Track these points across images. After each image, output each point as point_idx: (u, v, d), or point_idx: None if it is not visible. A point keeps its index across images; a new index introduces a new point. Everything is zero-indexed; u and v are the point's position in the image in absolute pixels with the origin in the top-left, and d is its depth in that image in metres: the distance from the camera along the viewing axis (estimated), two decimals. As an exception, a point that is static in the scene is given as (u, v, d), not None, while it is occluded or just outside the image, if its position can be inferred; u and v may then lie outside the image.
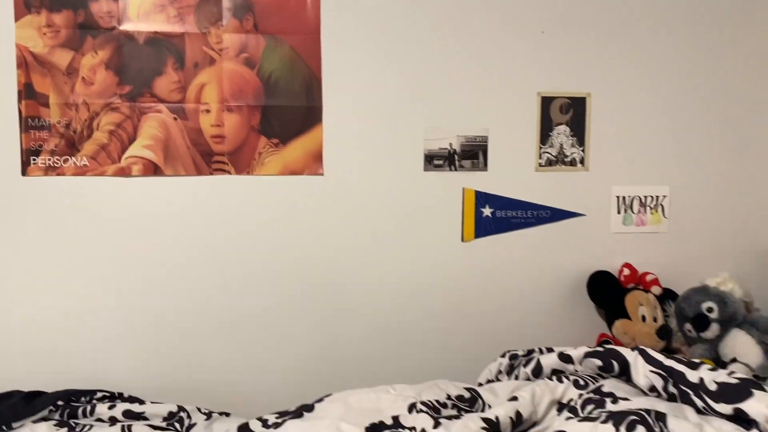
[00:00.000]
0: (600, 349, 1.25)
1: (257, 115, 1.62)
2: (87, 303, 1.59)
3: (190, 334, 1.63)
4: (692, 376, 1.10)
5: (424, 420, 1.10)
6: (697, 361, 1.14)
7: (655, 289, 1.74)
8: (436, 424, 1.08)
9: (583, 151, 1.76)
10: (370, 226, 1.69)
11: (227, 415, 1.51)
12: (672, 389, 1.13)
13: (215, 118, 1.61)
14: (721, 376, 1.07)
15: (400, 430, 1.08)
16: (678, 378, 1.11)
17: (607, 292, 1.73)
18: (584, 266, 1.77)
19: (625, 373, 1.22)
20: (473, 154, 1.72)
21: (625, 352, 1.21)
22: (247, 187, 1.63)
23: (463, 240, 1.74)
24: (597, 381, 1.23)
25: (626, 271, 1.76)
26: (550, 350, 1.34)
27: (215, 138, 1.62)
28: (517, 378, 1.37)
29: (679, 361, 1.14)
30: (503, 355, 1.44)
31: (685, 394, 1.10)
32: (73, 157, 1.57)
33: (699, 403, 1.08)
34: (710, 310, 1.63)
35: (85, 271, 1.58)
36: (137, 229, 1.60)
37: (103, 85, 1.57)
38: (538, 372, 1.32)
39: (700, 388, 1.08)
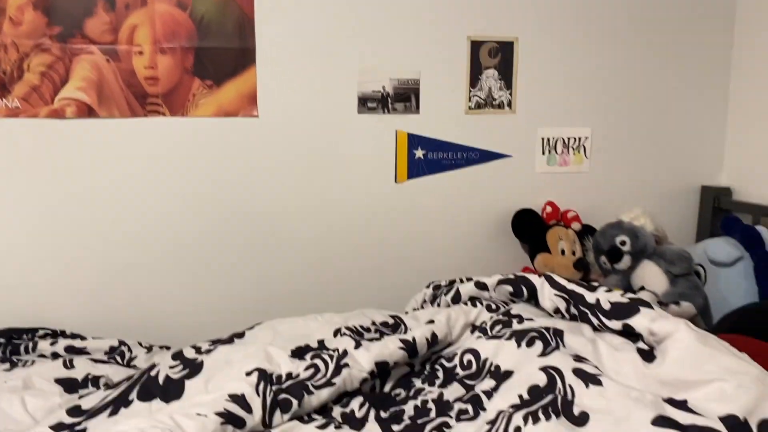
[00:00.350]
0: (511, 276, 1.36)
1: (190, 57, 1.64)
2: (25, 243, 1.61)
3: (128, 272, 1.68)
4: (590, 297, 1.21)
5: (346, 342, 1.20)
6: (595, 284, 1.25)
7: (575, 225, 1.86)
8: (357, 345, 1.18)
9: (510, 94, 1.84)
10: (304, 166, 1.74)
11: (167, 348, 1.58)
12: (573, 310, 1.24)
13: (148, 60, 1.62)
14: (615, 296, 1.19)
15: (324, 351, 1.17)
16: (578, 300, 1.23)
17: (531, 228, 1.84)
18: (510, 205, 1.87)
19: (533, 298, 1.33)
20: (406, 97, 1.78)
21: (533, 278, 1.32)
22: (182, 128, 1.66)
23: (396, 181, 1.81)
24: (508, 305, 1.34)
25: (549, 209, 1.87)
26: (469, 279, 1.44)
27: (149, 80, 1.63)
28: (439, 306, 1.47)
29: (579, 285, 1.25)
30: (428, 286, 1.54)
31: (584, 314, 1.22)
32: (4, 99, 1.56)
33: (595, 321, 1.19)
34: (623, 243, 1.75)
35: (22, 211, 1.60)
36: (73, 169, 1.62)
37: (32, 25, 1.56)
38: (457, 299, 1.42)
39: (596, 308, 1.19)
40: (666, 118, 1.95)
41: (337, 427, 1.03)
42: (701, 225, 2.00)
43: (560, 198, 1.90)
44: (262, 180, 1.72)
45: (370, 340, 1.23)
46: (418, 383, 1.19)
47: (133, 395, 1.11)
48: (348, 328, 1.27)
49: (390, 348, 1.17)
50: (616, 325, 1.15)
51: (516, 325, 1.21)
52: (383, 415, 1.11)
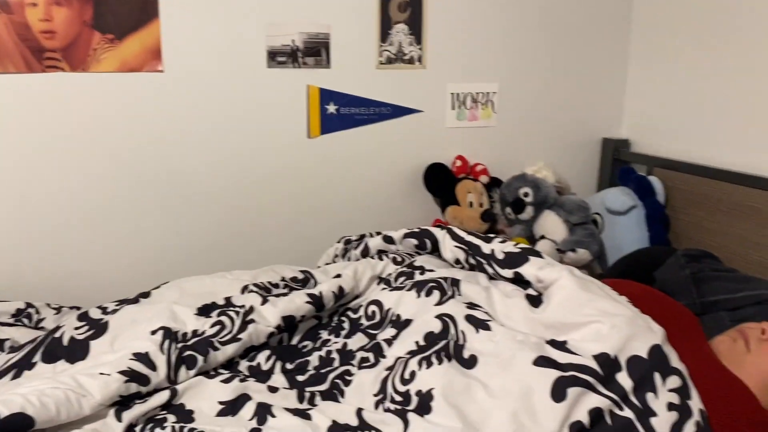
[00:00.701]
0: (416, 229, 1.41)
1: (89, 9, 1.57)
2: None
3: (34, 232, 1.63)
4: (486, 248, 1.28)
5: (253, 299, 1.22)
6: (491, 236, 1.32)
7: (483, 178, 1.93)
8: (264, 302, 1.21)
9: (420, 49, 1.86)
10: (214, 122, 1.72)
11: (77, 308, 1.56)
12: (471, 260, 1.31)
13: (43, 13, 1.55)
14: (508, 246, 1.26)
15: (230, 308, 1.20)
16: (475, 250, 1.30)
17: (441, 182, 1.90)
18: (421, 159, 1.92)
19: (437, 250, 1.39)
20: (316, 51, 1.77)
21: (435, 231, 1.38)
22: (83, 84, 1.60)
23: (309, 136, 1.82)
24: (413, 257, 1.40)
25: (458, 163, 1.93)
26: (378, 234, 1.49)
27: (45, 33, 1.56)
28: (349, 260, 1.52)
29: (477, 236, 1.32)
30: (339, 241, 1.58)
31: (480, 264, 1.29)
32: None
33: (490, 270, 1.27)
34: (526, 195, 1.84)
35: None
36: (-35, 129, 1.55)
37: None
38: (366, 253, 1.47)
39: (491, 257, 1.27)
40: (569, 73, 2.03)
41: (242, 380, 1.07)
42: (602, 175, 2.11)
43: (469, 152, 1.96)
44: (170, 136, 1.69)
45: (278, 295, 1.26)
46: (324, 335, 1.24)
47: (37, 357, 1.11)
48: (256, 285, 1.30)
49: (297, 303, 1.21)
50: (508, 273, 1.23)
51: (418, 276, 1.27)
52: (288, 366, 1.15)
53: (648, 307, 1.14)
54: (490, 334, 1.08)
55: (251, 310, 1.18)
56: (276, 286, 1.33)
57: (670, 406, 0.96)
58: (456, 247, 1.33)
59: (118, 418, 0.97)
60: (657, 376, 0.98)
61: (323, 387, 1.09)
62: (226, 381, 1.06)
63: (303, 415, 0.99)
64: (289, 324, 1.20)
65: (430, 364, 1.03)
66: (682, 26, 1.87)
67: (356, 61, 1.81)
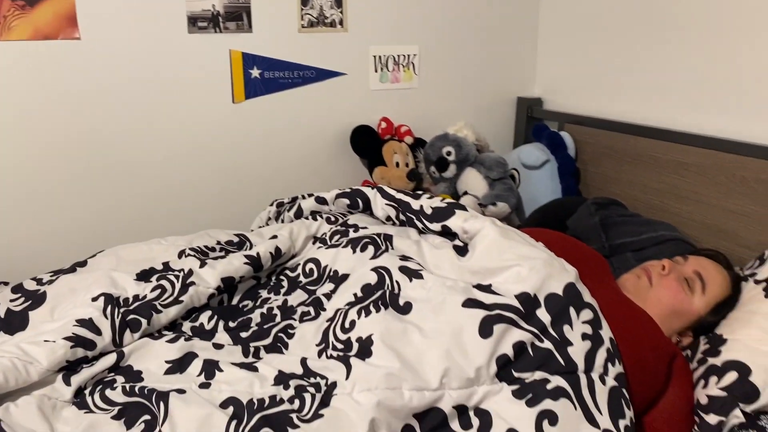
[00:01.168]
0: (348, 190, 1.47)
1: (-5, -27, 1.51)
2: None
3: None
4: (415, 204, 1.36)
5: (191, 262, 1.25)
6: (419, 193, 1.40)
7: (408, 139, 2.00)
8: (203, 265, 1.24)
9: (341, 12, 1.89)
10: (137, 90, 1.70)
11: (5, 284, 1.54)
12: (402, 217, 1.38)
13: (-56, -24, 1.47)
14: (435, 202, 1.34)
15: (169, 272, 1.22)
16: (405, 207, 1.37)
17: (367, 144, 1.95)
18: (347, 121, 1.96)
19: (368, 208, 1.46)
20: (237, 15, 1.77)
21: (366, 190, 1.44)
22: (-6, 53, 1.54)
23: (233, 101, 1.83)
24: (346, 216, 1.46)
25: (383, 125, 1.99)
26: (310, 195, 1.54)
27: (-53, -1, 1.48)
28: (283, 222, 1.56)
29: (406, 194, 1.39)
30: (272, 204, 1.62)
31: (410, 219, 1.37)
32: None
33: (419, 225, 1.35)
34: (449, 153, 1.92)
35: None
36: None
37: None
38: (299, 215, 1.52)
39: (420, 213, 1.34)
40: (485, 36, 2.11)
41: (187, 339, 1.10)
42: (517, 133, 2.23)
43: (393, 113, 2.02)
44: (92, 105, 1.66)
45: (215, 258, 1.29)
46: (264, 294, 1.28)
47: None
48: (192, 249, 1.32)
49: (235, 264, 1.25)
50: (436, 227, 1.31)
51: (352, 234, 1.33)
52: (231, 324, 1.19)
53: (562, 251, 1.25)
54: (422, 282, 1.16)
55: (190, 273, 1.21)
56: (212, 249, 1.36)
57: (584, 336, 1.08)
58: (387, 205, 1.40)
59: (67, 383, 0.99)
60: (572, 311, 1.09)
61: (267, 341, 1.14)
62: (172, 341, 1.09)
63: (250, 367, 1.04)
64: (228, 285, 1.24)
65: (368, 313, 1.10)
66: (588, -11, 1.99)
67: (278, 25, 1.82)
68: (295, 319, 1.18)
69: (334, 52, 1.91)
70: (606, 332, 1.10)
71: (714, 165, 1.56)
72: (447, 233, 1.31)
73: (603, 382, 1.05)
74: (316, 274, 1.28)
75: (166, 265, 1.26)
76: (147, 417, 0.94)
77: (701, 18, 1.65)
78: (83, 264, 1.27)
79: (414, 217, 1.35)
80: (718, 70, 1.61)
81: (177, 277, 1.19)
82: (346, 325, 1.10)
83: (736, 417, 1.12)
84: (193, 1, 1.70)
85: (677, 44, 1.72)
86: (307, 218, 1.49)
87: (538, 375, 1.03)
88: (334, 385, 0.99)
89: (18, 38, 1.55)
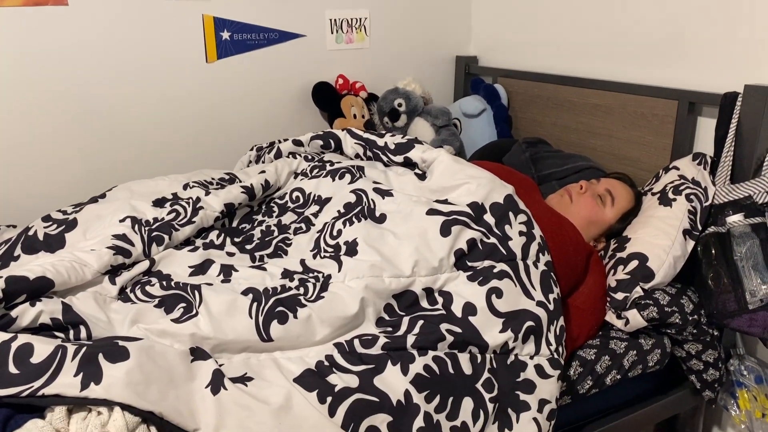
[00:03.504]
0: (320, 132, 1.72)
1: (-12, -56, 1.65)
2: None
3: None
4: (380, 141, 1.62)
5: (197, 191, 1.48)
6: (382, 132, 1.66)
7: (363, 94, 2.25)
8: (207, 193, 1.47)
9: (300, -20, 2.11)
10: (118, 53, 1.88)
11: (14, 226, 1.71)
12: (369, 153, 1.65)
13: (-60, -54, 1.60)
14: (397, 139, 1.61)
15: (180, 200, 1.45)
16: (372, 144, 1.63)
17: (327, 98, 2.19)
18: (308, 78, 2.20)
19: (339, 148, 1.71)
20: (208, -17, 1.97)
21: (337, 132, 1.70)
22: (-10, 18, 1.69)
23: (207, 61, 2.03)
24: (320, 155, 1.72)
25: (340, 81, 2.23)
26: (286, 140, 1.78)
27: (-56, -33, 1.62)
28: (263, 163, 1.79)
29: (372, 133, 1.66)
30: (252, 149, 1.85)
31: (377, 154, 1.63)
32: None
33: (384, 158, 1.62)
34: (400, 105, 2.19)
35: None
36: None
37: None
38: (278, 156, 1.76)
39: (385, 148, 1.61)
40: (427, 1, 2.37)
41: (205, 248, 1.34)
42: (457, 87, 2.52)
43: (349, 71, 2.26)
44: (78, 67, 1.83)
45: (215, 189, 1.53)
46: (258, 218, 1.53)
47: (18, 251, 1.30)
48: (195, 182, 1.55)
49: (234, 193, 1.48)
50: (399, 158, 1.58)
51: (329, 167, 1.59)
52: (236, 240, 1.44)
53: (500, 175, 1.55)
54: (392, 199, 1.43)
55: (198, 200, 1.44)
56: (210, 183, 1.59)
57: (521, 233, 1.36)
58: (356, 143, 1.66)
59: (112, 282, 1.21)
60: (510, 215, 1.38)
61: (269, 250, 1.39)
62: (192, 251, 1.33)
63: (259, 268, 1.29)
64: (229, 210, 1.47)
65: (351, 223, 1.36)
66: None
67: (245, -8, 2.03)
68: (290, 233, 1.44)
69: (294, 16, 2.13)
70: (537, 231, 1.39)
71: (620, 105, 1.89)
72: (408, 164, 1.59)
73: (536, 266, 1.33)
74: (302, 200, 1.53)
75: (174, 195, 1.48)
76: (183, 304, 1.16)
77: (608, -17, 1.97)
78: (102, 196, 1.48)
79: (380, 152, 1.62)
80: (621, 27, 1.94)
81: (188, 202, 1.42)
82: (334, 233, 1.36)
83: (637, 292, 1.46)
84: (168, -31, 1.89)
85: (590, 6, 2.03)
86: (287, 158, 1.73)
87: (487, 263, 1.30)
88: (329, 276, 1.25)
89: (10, 4, 1.71)
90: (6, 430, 0.88)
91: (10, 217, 1.78)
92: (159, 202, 1.45)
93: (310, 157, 1.71)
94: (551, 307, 1.29)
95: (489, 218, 1.36)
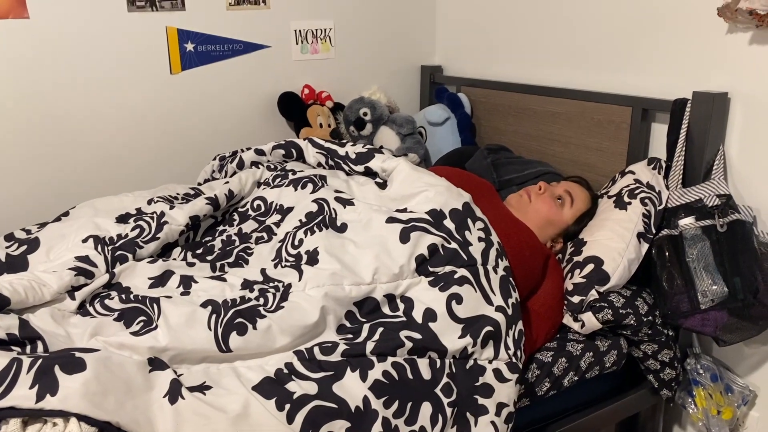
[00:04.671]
0: (282, 141, 1.74)
1: (-54, -42, 1.65)
2: None
3: None
4: (341, 151, 1.65)
5: (162, 206, 1.49)
6: (343, 141, 1.69)
7: (329, 103, 2.27)
8: (171, 207, 1.48)
9: (264, -8, 2.13)
10: (81, 65, 1.88)
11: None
12: (331, 162, 1.67)
13: None
14: (358, 148, 1.64)
15: (144, 215, 1.46)
16: (333, 154, 1.66)
17: (293, 108, 2.21)
18: (274, 89, 2.22)
19: (301, 157, 1.73)
20: (171, -5, 1.98)
21: (299, 141, 1.72)
22: (-51, 32, 1.69)
23: (171, 73, 2.04)
24: (283, 164, 1.73)
25: (306, 91, 2.25)
26: (249, 149, 1.79)
27: None
28: (226, 173, 1.81)
29: (333, 142, 1.68)
30: (215, 158, 1.86)
31: (338, 164, 1.66)
32: None
33: (346, 168, 1.64)
34: (365, 114, 2.22)
35: None
36: None
37: None
38: (241, 165, 1.77)
39: (346, 158, 1.63)
40: (390, 11, 2.41)
41: (164, 260, 1.35)
42: (422, 95, 2.55)
43: (314, 81, 2.29)
44: (42, 80, 1.83)
45: (180, 204, 1.54)
46: (220, 228, 1.54)
47: None
48: (160, 197, 1.56)
49: (198, 205, 1.50)
50: (360, 168, 1.61)
51: (291, 176, 1.61)
52: (198, 252, 1.45)
53: (459, 181, 1.58)
54: (354, 208, 1.45)
55: (162, 214, 1.45)
56: (175, 198, 1.60)
57: (479, 239, 1.39)
58: (317, 153, 1.68)
59: (72, 297, 1.22)
60: (469, 221, 1.41)
61: (230, 260, 1.41)
62: (152, 261, 1.34)
63: (219, 279, 1.30)
64: (194, 223, 1.48)
65: (313, 232, 1.38)
66: (475, -31, 2.32)
67: (208, 4, 2.04)
68: (251, 243, 1.45)
69: (259, 27, 2.15)
70: (495, 238, 1.43)
71: (577, 113, 1.94)
72: (369, 173, 1.61)
73: (495, 272, 1.37)
74: (263, 209, 1.55)
75: (138, 210, 1.49)
76: (143, 318, 1.18)
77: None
78: (66, 214, 1.49)
79: (341, 162, 1.65)
80: (578, 37, 1.99)
81: (152, 218, 1.43)
82: (296, 242, 1.38)
83: (593, 295, 1.50)
84: (130, -18, 1.90)
85: (549, 17, 2.08)
86: (249, 168, 1.75)
87: (448, 268, 1.32)
88: (290, 285, 1.27)
89: (-29, 18, 1.71)
90: (-43, 445, 0.89)
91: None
92: (123, 218, 1.45)
93: (272, 166, 1.73)
94: (510, 311, 1.32)
95: (449, 224, 1.38)
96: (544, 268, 1.56)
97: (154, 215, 1.45)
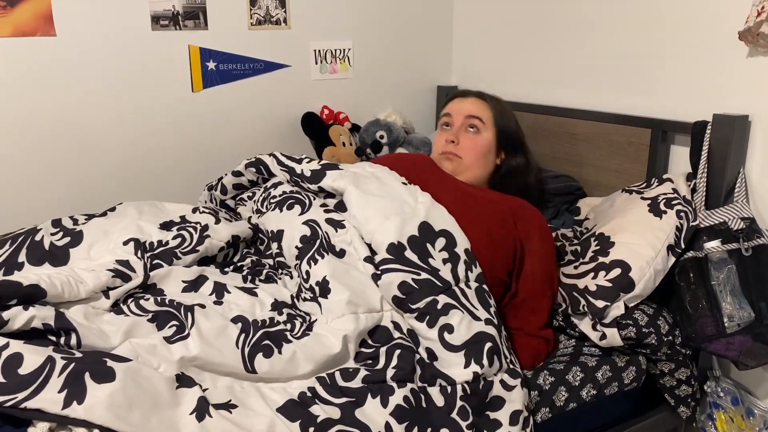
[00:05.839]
0: (252, 159, 1.65)
1: (-22, -23, 1.68)
2: None
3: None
4: (298, 168, 1.53)
5: (207, 218, 1.48)
6: (303, 157, 1.58)
7: (347, 124, 2.29)
8: (217, 221, 1.48)
9: (285, 12, 2.16)
10: (106, 82, 1.91)
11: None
12: (294, 179, 1.55)
13: (-71, -21, 1.63)
14: (313, 165, 1.53)
15: (187, 224, 1.45)
16: (292, 172, 1.55)
17: (315, 127, 2.23)
18: (292, 108, 2.24)
19: (270, 173, 1.64)
20: (195, 14, 2.01)
21: (264, 157, 1.63)
22: (-22, 49, 1.72)
23: (193, 91, 2.06)
24: (264, 183, 1.65)
25: (326, 111, 2.27)
26: (227, 174, 1.72)
27: (-67, -1, 1.64)
28: (213, 201, 1.75)
29: (292, 159, 1.58)
30: (204, 189, 1.80)
31: (297, 182, 1.54)
32: None
33: (304, 186, 1.53)
34: (381, 137, 2.23)
35: None
36: None
37: None
38: (224, 191, 1.71)
39: (302, 176, 1.52)
40: (408, 32, 2.44)
41: (199, 265, 1.36)
42: (438, 116, 2.56)
43: (332, 100, 2.31)
44: (67, 95, 1.86)
45: (224, 217, 1.53)
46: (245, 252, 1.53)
47: (23, 257, 1.31)
48: (205, 207, 1.55)
49: (242, 226, 1.50)
50: (314, 187, 1.50)
51: (273, 192, 1.54)
52: (226, 269, 1.44)
53: (393, 165, 1.55)
54: (344, 232, 1.38)
55: (206, 227, 1.44)
56: (219, 211, 1.59)
57: (444, 261, 1.32)
58: (281, 170, 1.59)
59: (106, 296, 1.23)
60: (428, 246, 1.32)
61: (261, 277, 1.40)
62: (187, 266, 1.34)
63: (251, 292, 1.30)
64: (235, 242, 1.47)
65: (316, 261, 1.32)
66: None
67: (230, 23, 2.07)
68: (277, 271, 1.44)
69: (279, 47, 2.18)
70: (459, 247, 1.35)
71: (596, 134, 1.94)
72: (323, 190, 1.50)
73: (468, 286, 1.32)
74: (265, 241, 1.52)
75: (183, 218, 1.48)
76: (176, 323, 1.17)
77: (587, 17, 2.04)
78: (113, 209, 1.50)
79: (299, 180, 1.53)
80: (596, 58, 2.00)
81: (195, 228, 1.43)
82: (305, 275, 1.33)
83: (618, 308, 1.47)
84: (155, 1, 1.93)
85: (567, 38, 2.10)
86: (227, 191, 1.70)
87: (429, 298, 1.27)
88: (314, 320, 1.26)
89: (2, 35, 1.73)
90: (-10, 442, 0.89)
91: None
92: (166, 225, 1.45)
93: (255, 180, 1.68)
94: (495, 320, 1.30)
95: (411, 255, 1.31)
96: (513, 219, 1.52)
97: (198, 226, 1.45)
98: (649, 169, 1.81)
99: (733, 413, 1.65)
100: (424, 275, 1.29)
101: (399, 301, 1.27)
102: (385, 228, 1.33)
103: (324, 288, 1.28)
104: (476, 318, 1.28)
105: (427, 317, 1.25)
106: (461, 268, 1.34)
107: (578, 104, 2.07)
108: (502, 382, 1.26)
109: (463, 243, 1.37)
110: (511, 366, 1.29)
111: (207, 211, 1.53)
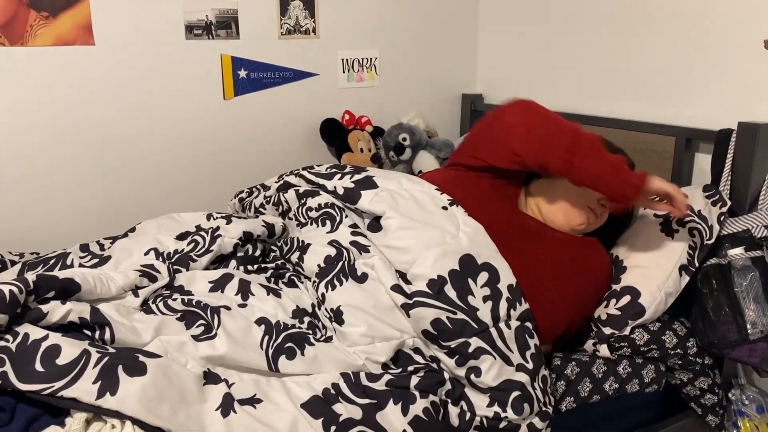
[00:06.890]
0: (276, 182, 1.68)
1: (23, -11, 1.76)
2: None
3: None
4: (330, 185, 1.52)
5: (219, 222, 1.54)
6: (334, 171, 1.56)
7: (368, 128, 2.32)
8: (228, 222, 1.53)
9: (314, 22, 2.21)
10: (141, 89, 1.98)
11: (37, 253, 1.78)
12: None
13: (-22, -8, 1.72)
14: (346, 182, 1.50)
15: (201, 231, 1.50)
16: (323, 189, 1.54)
17: (334, 133, 2.27)
18: (320, 115, 2.28)
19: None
20: (227, 24, 2.07)
21: (292, 179, 1.65)
22: (22, 58, 1.79)
23: (224, 98, 2.13)
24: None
25: (347, 117, 2.31)
26: (260, 190, 1.75)
27: (-19, 11, 1.73)
28: (248, 210, 1.77)
29: (321, 176, 1.57)
30: (233, 198, 1.84)
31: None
32: None
33: (338, 203, 1.51)
34: (404, 139, 2.26)
35: None
36: None
37: None
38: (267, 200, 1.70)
39: (335, 194, 1.50)
40: (433, 41, 2.47)
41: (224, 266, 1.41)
42: (463, 123, 2.60)
43: (358, 107, 2.35)
44: (103, 103, 1.93)
45: (237, 218, 1.58)
46: (272, 255, 1.57)
47: None
48: (219, 213, 1.61)
49: (254, 224, 1.52)
50: (351, 206, 1.48)
51: (310, 203, 1.53)
52: (250, 268, 1.49)
53: (452, 185, 1.48)
54: (368, 256, 1.35)
55: (218, 228, 1.50)
56: (231, 216, 1.65)
57: (485, 299, 1.29)
58: (312, 189, 1.57)
59: (135, 295, 1.28)
60: (470, 282, 1.29)
61: (284, 280, 1.44)
62: (205, 268, 1.40)
63: (275, 293, 1.33)
64: (247, 238, 1.51)
65: (334, 287, 1.31)
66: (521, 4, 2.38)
67: (261, 33, 2.13)
68: (299, 276, 1.47)
69: (308, 56, 2.23)
70: (503, 283, 1.31)
71: (620, 141, 1.94)
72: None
73: (508, 327, 1.29)
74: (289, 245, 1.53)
75: (198, 227, 1.54)
76: (203, 322, 1.22)
77: (610, 26, 2.05)
78: (133, 230, 1.57)
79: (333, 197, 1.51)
80: (620, 66, 2.01)
81: (207, 232, 1.48)
82: (320, 297, 1.34)
83: (625, 331, 1.48)
84: (189, 12, 2.00)
85: (591, 47, 2.11)
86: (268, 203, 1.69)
87: (461, 340, 1.24)
88: (331, 338, 1.28)
89: (42, 44, 1.82)
90: (29, 430, 0.94)
91: (31, 241, 1.86)
92: (182, 236, 1.51)
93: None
94: (530, 365, 1.28)
95: (450, 291, 1.27)
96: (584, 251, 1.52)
97: (210, 230, 1.50)
98: (673, 177, 1.81)
99: (758, 421, 1.64)
100: (460, 315, 1.25)
101: (430, 335, 1.25)
102: (425, 260, 1.29)
103: (338, 317, 1.28)
104: (509, 363, 1.25)
105: (457, 356, 1.24)
106: (503, 307, 1.29)
107: (601, 112, 2.09)
108: (530, 425, 1.26)
109: (507, 278, 1.32)
110: (543, 408, 1.27)
111: (220, 215, 1.58)
